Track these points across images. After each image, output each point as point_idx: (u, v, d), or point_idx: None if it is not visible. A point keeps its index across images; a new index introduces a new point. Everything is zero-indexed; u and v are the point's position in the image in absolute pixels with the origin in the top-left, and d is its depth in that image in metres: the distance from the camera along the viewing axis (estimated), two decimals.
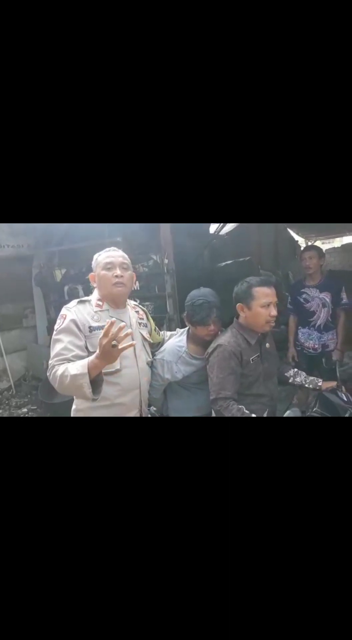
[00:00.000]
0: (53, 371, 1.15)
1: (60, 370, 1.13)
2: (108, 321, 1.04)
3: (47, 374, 1.18)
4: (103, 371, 1.15)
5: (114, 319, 1.05)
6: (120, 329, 1.03)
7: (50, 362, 1.18)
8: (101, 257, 1.30)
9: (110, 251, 1.31)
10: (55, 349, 1.19)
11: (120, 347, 1.04)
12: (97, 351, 1.06)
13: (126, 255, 1.34)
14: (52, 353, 1.19)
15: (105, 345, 1.03)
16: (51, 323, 3.84)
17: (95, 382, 1.12)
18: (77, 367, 1.10)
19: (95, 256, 1.33)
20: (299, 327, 2.40)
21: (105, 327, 1.03)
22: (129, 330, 1.09)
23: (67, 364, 1.13)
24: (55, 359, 1.17)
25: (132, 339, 1.13)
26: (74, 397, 1.30)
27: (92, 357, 1.09)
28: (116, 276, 1.26)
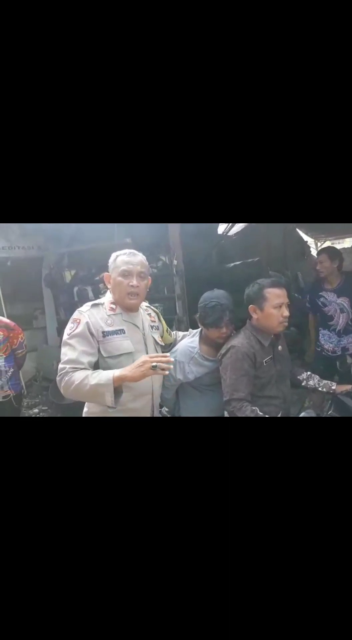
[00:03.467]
0: (66, 377, 1.14)
1: (76, 377, 1.12)
2: (171, 360, 1.10)
3: (57, 378, 1.17)
4: None
5: (172, 360, 1.11)
6: (168, 360, 1.11)
7: (61, 365, 1.16)
8: (119, 261, 1.25)
9: (130, 256, 1.26)
10: (68, 355, 1.17)
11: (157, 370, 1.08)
12: (132, 367, 1.10)
13: (145, 262, 1.29)
14: (64, 357, 1.17)
15: (145, 365, 1.08)
16: (61, 324, 3.87)
17: (117, 392, 1.12)
18: (101, 378, 1.11)
19: (113, 255, 1.28)
20: (320, 329, 2.36)
21: (162, 359, 1.09)
22: (172, 366, 1.12)
23: (87, 372, 1.13)
24: (68, 365, 1.15)
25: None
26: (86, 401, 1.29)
27: (118, 371, 1.12)
28: (132, 286, 1.23)
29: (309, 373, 1.49)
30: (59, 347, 1.25)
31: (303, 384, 1.47)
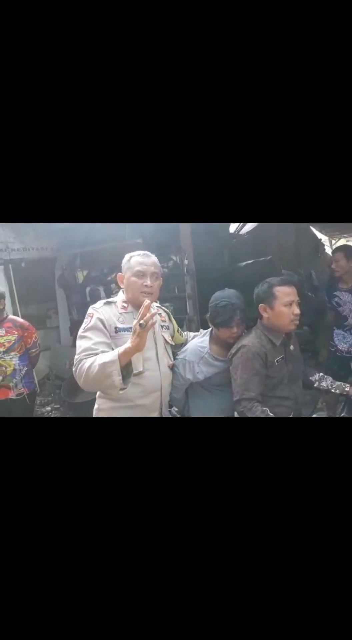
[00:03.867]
0: (80, 365, 1.17)
1: (87, 362, 1.15)
2: (146, 303, 1.11)
3: (73, 369, 1.20)
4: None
5: (148, 301, 1.12)
6: (147, 307, 1.10)
7: (76, 357, 1.20)
8: (133, 262, 1.28)
9: (144, 257, 1.29)
10: (83, 345, 1.20)
11: (147, 325, 1.09)
12: (130, 339, 1.12)
13: (158, 263, 1.32)
14: (79, 349, 1.20)
15: (137, 330, 1.10)
16: (73, 324, 3.93)
17: (125, 373, 1.13)
18: (107, 356, 1.13)
19: (127, 256, 1.31)
20: (334, 328, 2.32)
21: (142, 310, 1.10)
22: (154, 311, 1.13)
23: (96, 356, 1.15)
24: (82, 353, 1.18)
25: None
26: (98, 392, 1.32)
27: (121, 347, 1.13)
28: (145, 285, 1.26)
29: (322, 374, 1.47)
30: (72, 346, 1.28)
31: (316, 385, 1.44)
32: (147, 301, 1.12)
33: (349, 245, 2.51)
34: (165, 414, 1.37)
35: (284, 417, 1.27)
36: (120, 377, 1.10)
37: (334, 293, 2.26)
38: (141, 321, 1.09)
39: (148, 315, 1.09)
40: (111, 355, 1.12)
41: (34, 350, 2.32)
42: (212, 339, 1.42)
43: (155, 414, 1.32)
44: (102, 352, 1.18)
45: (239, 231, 4.33)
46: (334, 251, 2.40)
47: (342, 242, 5.74)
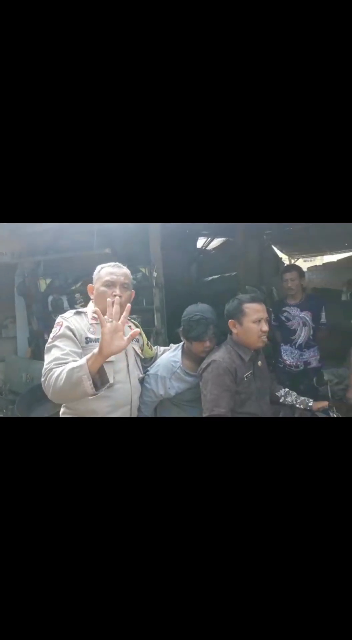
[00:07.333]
0: (49, 375, 1.09)
1: (56, 372, 1.08)
2: (109, 300, 1.07)
3: (42, 380, 1.12)
4: None
5: (116, 297, 1.11)
6: (114, 303, 1.06)
7: (46, 366, 1.13)
8: (103, 272, 1.28)
9: (114, 267, 1.29)
10: (53, 354, 1.14)
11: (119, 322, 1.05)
12: (101, 341, 1.05)
13: (129, 274, 1.31)
14: (49, 358, 1.14)
15: (107, 326, 1.03)
16: (32, 334, 3.70)
17: (100, 382, 1.07)
18: (76, 362, 1.07)
19: (98, 267, 1.31)
20: (281, 344, 2.44)
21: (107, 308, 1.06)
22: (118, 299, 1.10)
23: (65, 365, 1.08)
24: (52, 362, 1.11)
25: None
26: (62, 407, 1.25)
27: (90, 353, 1.07)
28: (114, 295, 1.22)
29: (287, 389, 1.51)
30: (30, 357, 1.21)
31: (281, 400, 1.48)
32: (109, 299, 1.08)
33: (297, 265, 2.69)
34: None
35: (261, 417, 1.29)
36: (91, 382, 1.03)
37: (283, 309, 2.39)
38: (110, 298, 1.07)
39: (114, 299, 1.07)
40: (80, 360, 1.07)
41: None
42: (185, 353, 1.41)
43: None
44: (73, 361, 1.11)
45: (206, 246, 4.43)
46: (287, 269, 2.55)
47: (300, 262, 6.14)
